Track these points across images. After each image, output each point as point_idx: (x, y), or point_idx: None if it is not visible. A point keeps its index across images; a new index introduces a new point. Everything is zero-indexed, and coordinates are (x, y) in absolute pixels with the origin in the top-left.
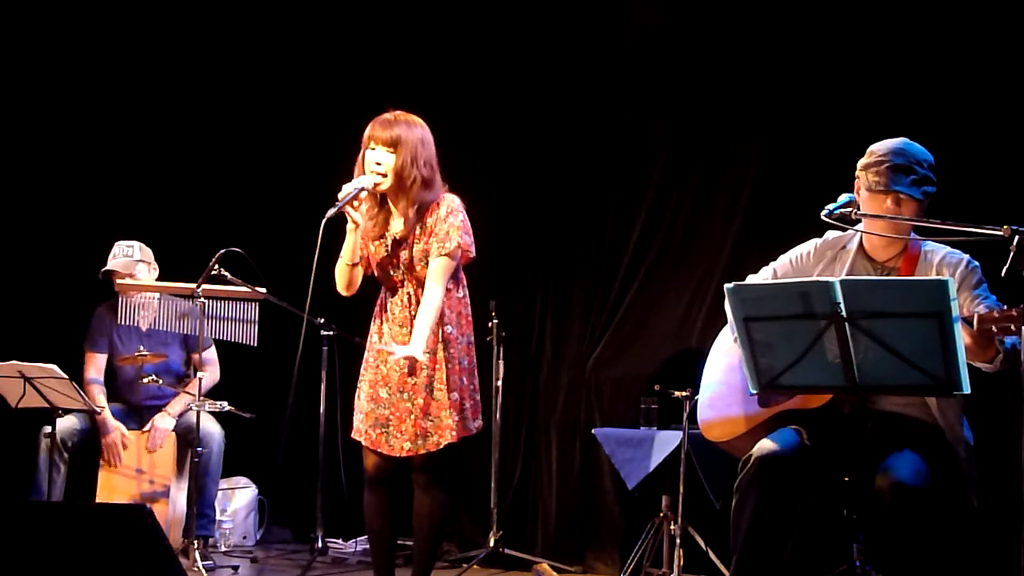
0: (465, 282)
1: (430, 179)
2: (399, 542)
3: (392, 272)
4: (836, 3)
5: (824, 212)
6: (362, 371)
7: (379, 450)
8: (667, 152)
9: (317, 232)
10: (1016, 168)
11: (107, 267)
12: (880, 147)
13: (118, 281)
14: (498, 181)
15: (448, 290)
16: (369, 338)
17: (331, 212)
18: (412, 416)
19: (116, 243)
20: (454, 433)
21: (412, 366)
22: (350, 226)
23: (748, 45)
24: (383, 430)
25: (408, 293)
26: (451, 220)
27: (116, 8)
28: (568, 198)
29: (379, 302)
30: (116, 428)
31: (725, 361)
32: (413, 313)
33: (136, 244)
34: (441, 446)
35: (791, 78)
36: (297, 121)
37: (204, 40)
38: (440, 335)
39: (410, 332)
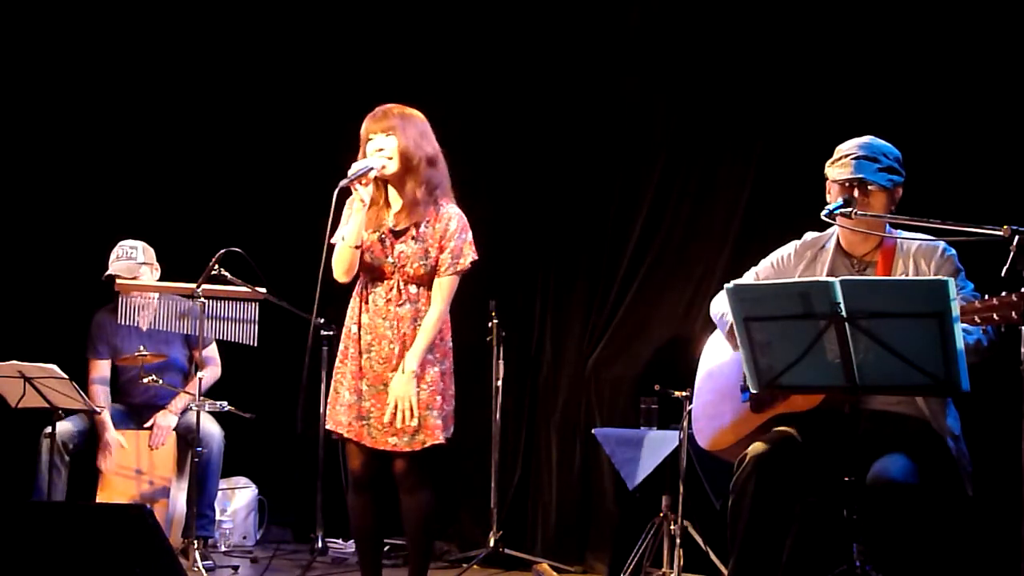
0: None
1: (434, 157)
2: (396, 542)
3: (383, 263)
4: (837, 3)
5: (824, 212)
6: (338, 362)
7: (362, 441)
8: (667, 152)
9: (316, 231)
10: (1016, 168)
11: (109, 271)
12: (844, 145)
13: (119, 280)
14: (498, 181)
15: None
16: (345, 327)
17: (343, 182)
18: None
19: (119, 243)
20: (442, 434)
21: (395, 363)
22: (356, 205)
23: (748, 45)
24: (364, 422)
25: (394, 287)
26: (465, 236)
27: (117, 9)
28: (568, 198)
29: (357, 290)
30: (112, 437)
31: (716, 368)
32: (398, 309)
33: (139, 245)
34: (427, 445)
35: (791, 78)
36: (297, 121)
37: (204, 41)
38: None
39: (392, 325)
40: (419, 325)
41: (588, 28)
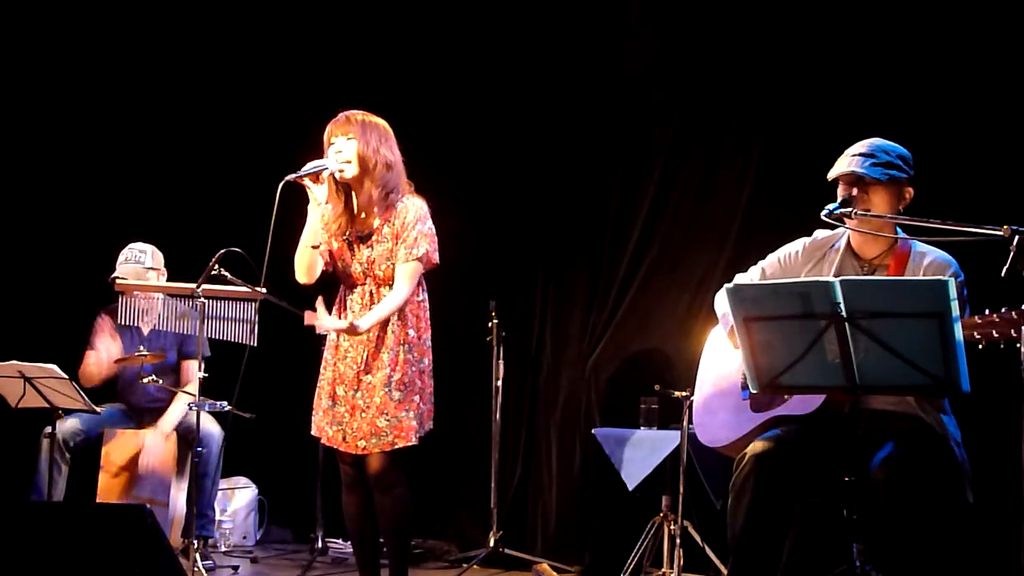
0: (425, 285)
1: (391, 163)
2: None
3: (352, 269)
4: (838, 3)
5: (824, 212)
6: (322, 369)
7: (338, 447)
8: (667, 152)
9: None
10: (1016, 168)
11: (116, 274)
12: (849, 149)
13: (119, 280)
14: (498, 181)
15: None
16: (328, 336)
17: (291, 176)
18: (368, 414)
19: (128, 245)
20: (415, 435)
21: (369, 364)
22: (311, 205)
23: (749, 44)
24: (339, 427)
25: (368, 292)
26: (419, 227)
27: (118, 11)
28: (568, 198)
29: (338, 299)
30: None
31: (717, 366)
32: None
33: (148, 249)
34: (396, 446)
35: (792, 77)
36: (297, 121)
37: (206, 42)
38: (402, 337)
39: (368, 329)
40: (393, 328)
41: (588, 26)
